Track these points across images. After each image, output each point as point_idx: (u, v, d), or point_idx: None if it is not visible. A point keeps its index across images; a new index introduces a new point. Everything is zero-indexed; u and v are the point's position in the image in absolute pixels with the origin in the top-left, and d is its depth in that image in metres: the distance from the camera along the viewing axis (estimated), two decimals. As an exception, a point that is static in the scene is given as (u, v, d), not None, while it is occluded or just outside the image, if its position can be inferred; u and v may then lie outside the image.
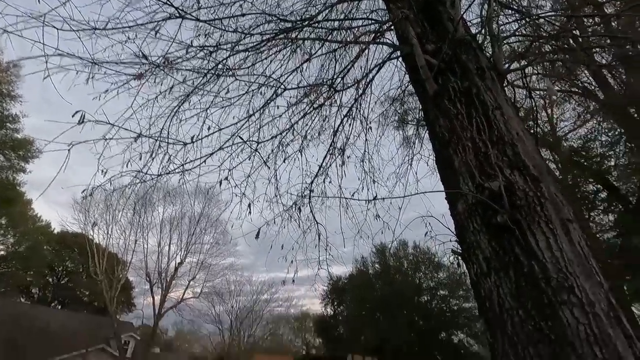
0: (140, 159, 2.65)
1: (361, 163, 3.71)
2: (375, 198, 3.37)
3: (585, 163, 11.01)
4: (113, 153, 2.90)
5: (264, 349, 40.49)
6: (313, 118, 3.50)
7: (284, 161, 3.32)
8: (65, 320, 24.48)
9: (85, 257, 26.88)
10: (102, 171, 2.49)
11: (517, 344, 1.61)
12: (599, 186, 11.09)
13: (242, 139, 3.08)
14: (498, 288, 1.79)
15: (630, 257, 9.53)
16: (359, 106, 3.53)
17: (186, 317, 41.83)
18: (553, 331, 1.53)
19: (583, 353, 1.45)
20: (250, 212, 2.92)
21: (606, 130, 10.61)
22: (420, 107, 3.52)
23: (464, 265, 2.18)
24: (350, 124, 3.53)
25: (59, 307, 35.98)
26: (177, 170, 2.82)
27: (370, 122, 3.71)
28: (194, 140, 2.74)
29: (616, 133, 10.24)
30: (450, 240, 2.56)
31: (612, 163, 11.02)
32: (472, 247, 2.00)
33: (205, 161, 2.88)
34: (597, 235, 11.99)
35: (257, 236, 2.75)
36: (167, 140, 2.73)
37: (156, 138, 2.74)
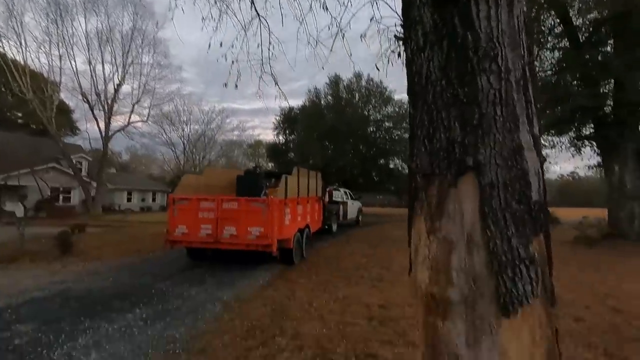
0: None
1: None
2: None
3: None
4: None
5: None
6: None
7: None
8: (1, 141, 23.39)
9: (2, 74, 23.67)
10: None
11: (433, 110, 1.74)
12: (557, 20, 10.93)
13: None
14: (429, 62, 1.79)
15: (557, 92, 10.44)
16: None
17: (137, 140, 42.36)
18: (467, 96, 1.63)
19: (486, 112, 1.60)
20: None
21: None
22: None
23: (403, 48, 2.13)
24: None
25: (-9, 128, 33.75)
26: None
27: None
28: None
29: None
30: (395, 25, 2.45)
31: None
32: (414, 24, 1.90)
33: None
34: (538, 73, 12.69)
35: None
36: None
37: None
